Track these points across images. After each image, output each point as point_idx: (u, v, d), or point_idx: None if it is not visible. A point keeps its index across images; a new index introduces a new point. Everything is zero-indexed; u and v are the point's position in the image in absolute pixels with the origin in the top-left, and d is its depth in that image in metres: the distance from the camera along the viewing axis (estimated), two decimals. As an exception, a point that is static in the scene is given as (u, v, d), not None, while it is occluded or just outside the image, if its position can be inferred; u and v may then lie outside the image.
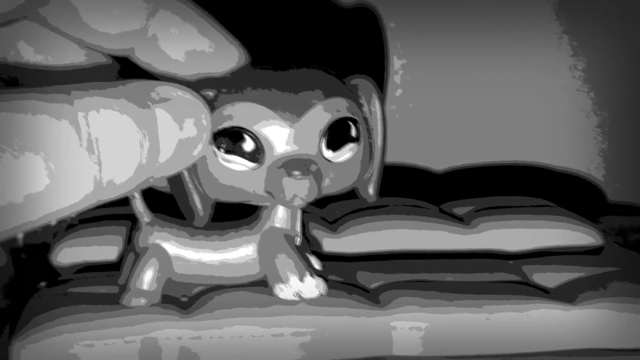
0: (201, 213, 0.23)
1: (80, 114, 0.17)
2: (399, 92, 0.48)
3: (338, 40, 0.46)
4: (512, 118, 0.48)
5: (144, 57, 0.24)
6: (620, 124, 0.49)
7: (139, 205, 0.25)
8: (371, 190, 0.24)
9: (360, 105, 0.23)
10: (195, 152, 0.20)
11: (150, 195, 0.25)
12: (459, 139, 0.48)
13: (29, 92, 0.17)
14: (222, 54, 0.24)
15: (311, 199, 0.22)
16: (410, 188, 0.42)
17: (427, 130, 0.48)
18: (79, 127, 0.17)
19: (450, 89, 0.48)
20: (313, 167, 0.22)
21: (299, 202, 0.22)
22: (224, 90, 0.22)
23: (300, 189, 0.22)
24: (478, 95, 0.48)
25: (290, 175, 0.21)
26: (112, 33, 0.23)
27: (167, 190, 0.24)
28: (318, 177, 0.22)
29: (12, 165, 0.16)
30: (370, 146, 0.24)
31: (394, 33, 0.47)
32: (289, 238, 0.25)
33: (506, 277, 0.28)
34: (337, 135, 0.22)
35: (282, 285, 0.24)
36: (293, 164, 0.22)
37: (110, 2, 0.23)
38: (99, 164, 0.18)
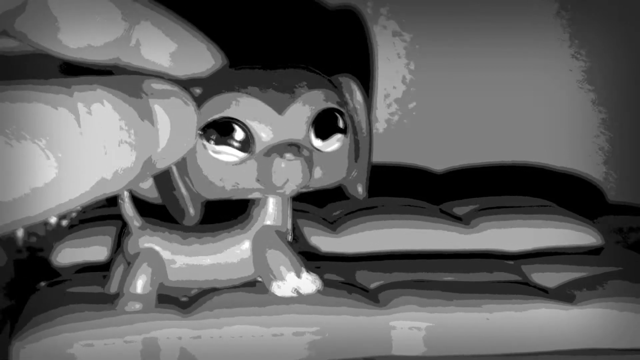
0: (192, 213, 0.23)
1: (81, 105, 0.17)
2: (399, 92, 0.48)
3: (323, 41, 0.46)
4: (512, 118, 0.48)
5: (127, 67, 0.24)
6: (620, 124, 0.49)
7: (128, 210, 0.25)
8: (360, 188, 0.24)
9: (345, 103, 0.24)
10: (185, 145, 0.21)
11: (140, 200, 0.24)
12: (459, 139, 0.48)
13: (28, 84, 0.17)
14: (198, 58, 0.24)
15: (303, 184, 0.22)
16: (410, 188, 0.42)
17: (427, 130, 0.48)
18: (80, 118, 0.17)
19: (450, 89, 0.48)
20: (305, 152, 0.22)
21: (291, 188, 0.22)
22: (211, 86, 0.22)
23: (292, 172, 0.22)
24: (478, 95, 0.48)
25: (282, 156, 0.21)
26: (94, 45, 0.23)
27: (156, 201, 0.23)
28: (309, 161, 0.22)
29: (12, 157, 0.16)
30: (357, 143, 0.24)
31: (395, 33, 0.47)
32: (282, 234, 0.25)
33: (506, 277, 0.28)
34: (325, 126, 0.22)
35: (279, 283, 0.24)
36: (284, 147, 0.22)
37: (90, 15, 0.23)
38: (103, 155, 0.18)
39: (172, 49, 0.24)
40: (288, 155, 0.21)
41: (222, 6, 0.44)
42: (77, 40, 0.23)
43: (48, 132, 0.17)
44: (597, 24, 0.47)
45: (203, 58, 0.24)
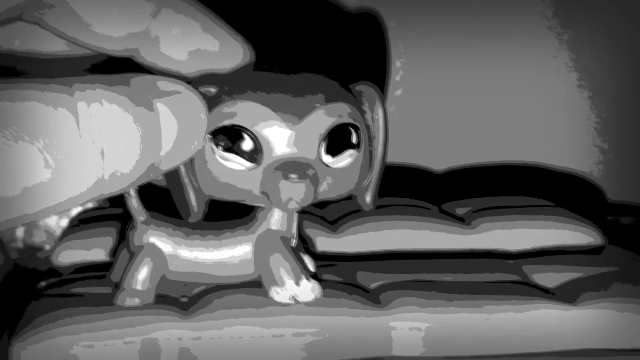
0: (195, 209, 0.23)
1: (81, 105, 0.17)
2: (399, 92, 0.48)
3: (342, 44, 0.46)
4: (512, 118, 0.48)
5: (148, 58, 0.24)
6: (620, 123, 0.49)
7: (134, 203, 0.25)
8: (368, 198, 0.24)
9: (362, 112, 0.23)
10: (193, 147, 0.21)
11: (146, 194, 0.25)
12: (459, 139, 0.48)
13: (30, 83, 0.17)
14: (227, 51, 0.24)
15: (306, 203, 0.22)
16: (410, 188, 0.42)
17: (427, 130, 0.48)
18: (79, 119, 0.17)
19: (450, 89, 0.48)
20: (310, 172, 0.22)
21: (294, 206, 0.22)
22: (226, 87, 0.22)
23: (296, 193, 0.21)
24: (478, 95, 0.48)
25: (286, 178, 0.21)
26: (115, 35, 0.23)
27: (163, 184, 0.23)
28: (315, 181, 0.22)
29: (9, 155, 0.16)
30: (371, 153, 0.23)
31: (395, 32, 0.47)
32: (285, 240, 0.25)
33: (506, 277, 0.28)
34: (337, 141, 0.22)
35: (277, 289, 0.24)
36: (290, 167, 0.21)
37: (111, 4, 0.23)
38: (101, 156, 0.18)
39: (194, 42, 0.23)
40: (293, 177, 0.21)
41: (240, 7, 0.44)
42: (96, 27, 0.23)
43: (47, 131, 0.17)
44: (597, 24, 0.47)
45: (228, 53, 0.24)
